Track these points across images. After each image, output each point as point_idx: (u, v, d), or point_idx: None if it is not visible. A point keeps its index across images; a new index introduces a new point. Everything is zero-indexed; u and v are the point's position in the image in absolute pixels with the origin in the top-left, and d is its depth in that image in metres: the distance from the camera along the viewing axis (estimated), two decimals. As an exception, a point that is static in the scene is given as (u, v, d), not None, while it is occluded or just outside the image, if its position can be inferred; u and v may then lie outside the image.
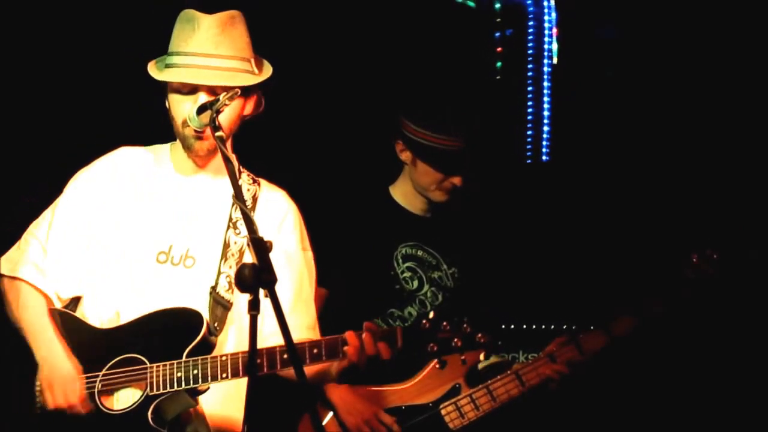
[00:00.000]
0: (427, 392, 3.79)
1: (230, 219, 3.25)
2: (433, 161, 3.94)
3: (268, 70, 3.21)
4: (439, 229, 4.06)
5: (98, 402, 3.12)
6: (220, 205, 3.25)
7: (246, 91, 3.15)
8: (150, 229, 3.25)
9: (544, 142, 5.34)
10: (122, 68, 3.92)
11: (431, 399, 3.76)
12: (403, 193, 4.06)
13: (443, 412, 3.74)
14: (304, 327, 3.26)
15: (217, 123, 2.93)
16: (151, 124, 3.38)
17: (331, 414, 3.89)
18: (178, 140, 3.26)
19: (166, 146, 3.33)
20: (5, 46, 4.46)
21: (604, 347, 3.90)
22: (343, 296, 3.86)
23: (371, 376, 3.71)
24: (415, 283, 4.02)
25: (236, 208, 3.19)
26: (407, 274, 4.02)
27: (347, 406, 3.74)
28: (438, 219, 4.08)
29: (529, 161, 5.34)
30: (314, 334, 3.30)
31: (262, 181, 3.32)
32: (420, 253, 4.03)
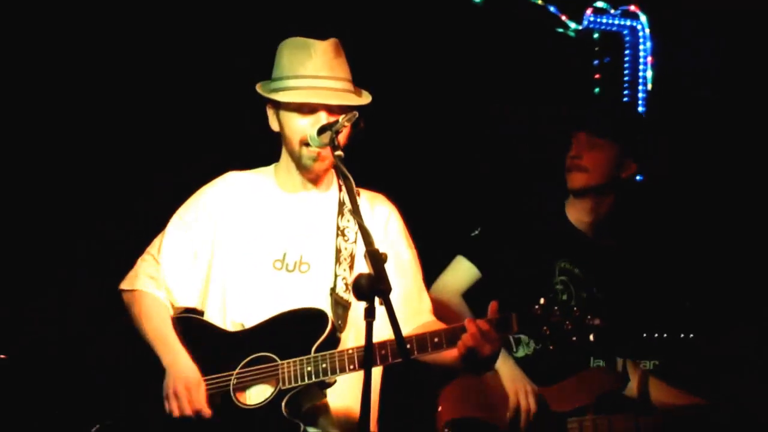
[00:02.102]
0: (563, 401, 3.81)
1: (338, 227, 3.31)
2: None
3: (368, 95, 3.28)
4: (598, 252, 4.03)
5: (234, 398, 3.18)
6: (326, 215, 3.32)
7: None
8: (263, 241, 3.31)
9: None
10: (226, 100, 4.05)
11: (564, 409, 3.80)
12: (572, 209, 4.06)
13: (569, 425, 3.78)
14: (426, 311, 3.35)
15: (336, 143, 3.01)
16: (252, 151, 3.51)
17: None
18: (281, 161, 3.36)
19: (270, 168, 3.42)
20: (135, 88, 4.60)
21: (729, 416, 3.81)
22: (501, 284, 3.85)
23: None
24: (565, 297, 4.02)
25: (342, 216, 3.31)
26: (560, 287, 4.01)
27: (510, 372, 3.81)
28: (599, 242, 4.05)
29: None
30: (432, 316, 3.37)
31: (362, 191, 3.34)
32: (576, 270, 4.02)
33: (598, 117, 4.00)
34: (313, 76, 3.17)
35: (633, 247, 4.12)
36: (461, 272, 4.06)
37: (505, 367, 3.79)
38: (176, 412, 3.12)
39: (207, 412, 3.14)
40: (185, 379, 3.14)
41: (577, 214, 3.98)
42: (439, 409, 3.85)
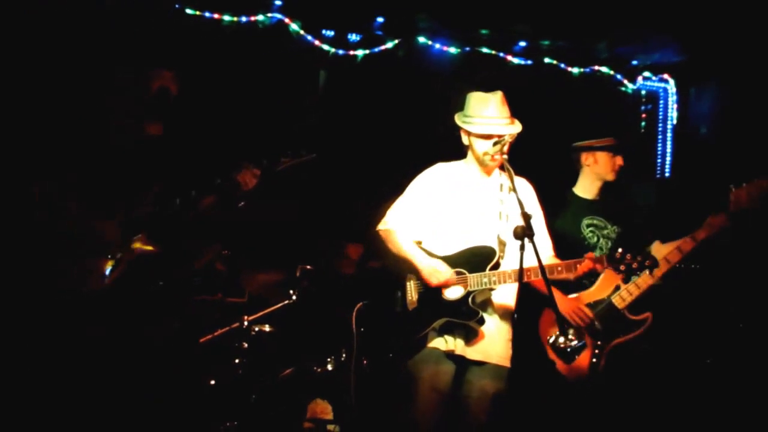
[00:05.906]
0: (601, 292, 4.30)
1: (500, 199, 3.83)
2: (610, 154, 4.50)
3: (519, 124, 3.81)
4: (604, 207, 4.59)
5: (442, 294, 3.73)
6: (493, 191, 3.88)
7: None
8: (460, 203, 3.85)
9: (668, 165, 6.61)
10: (439, 128, 4.37)
11: (605, 295, 4.29)
12: (582, 189, 4.60)
13: (613, 300, 4.28)
14: (550, 249, 3.94)
15: (504, 150, 3.72)
16: (452, 151, 4.03)
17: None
18: (469, 158, 3.91)
19: (461, 162, 4.00)
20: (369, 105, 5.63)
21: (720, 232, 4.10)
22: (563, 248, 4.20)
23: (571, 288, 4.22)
24: (594, 239, 4.51)
25: (502, 192, 3.79)
26: (590, 235, 4.52)
27: (563, 303, 4.22)
28: (602, 201, 4.60)
29: (658, 176, 6.52)
30: (553, 252, 3.91)
31: (515, 176, 3.69)
32: (596, 221, 4.50)
33: (624, 149, 4.59)
34: (487, 116, 3.79)
35: (619, 204, 4.65)
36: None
37: (557, 299, 3.83)
38: (435, 282, 3.66)
39: (451, 278, 3.61)
40: (434, 267, 3.72)
41: (593, 192, 4.56)
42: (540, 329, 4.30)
